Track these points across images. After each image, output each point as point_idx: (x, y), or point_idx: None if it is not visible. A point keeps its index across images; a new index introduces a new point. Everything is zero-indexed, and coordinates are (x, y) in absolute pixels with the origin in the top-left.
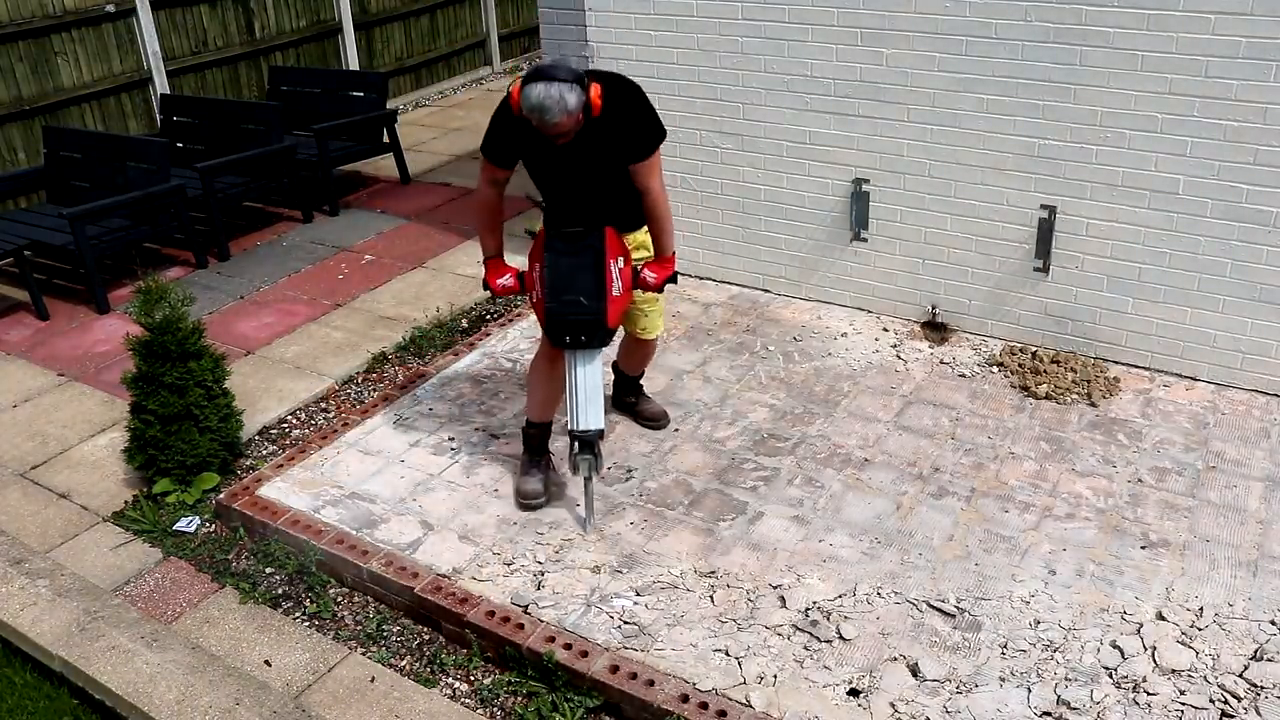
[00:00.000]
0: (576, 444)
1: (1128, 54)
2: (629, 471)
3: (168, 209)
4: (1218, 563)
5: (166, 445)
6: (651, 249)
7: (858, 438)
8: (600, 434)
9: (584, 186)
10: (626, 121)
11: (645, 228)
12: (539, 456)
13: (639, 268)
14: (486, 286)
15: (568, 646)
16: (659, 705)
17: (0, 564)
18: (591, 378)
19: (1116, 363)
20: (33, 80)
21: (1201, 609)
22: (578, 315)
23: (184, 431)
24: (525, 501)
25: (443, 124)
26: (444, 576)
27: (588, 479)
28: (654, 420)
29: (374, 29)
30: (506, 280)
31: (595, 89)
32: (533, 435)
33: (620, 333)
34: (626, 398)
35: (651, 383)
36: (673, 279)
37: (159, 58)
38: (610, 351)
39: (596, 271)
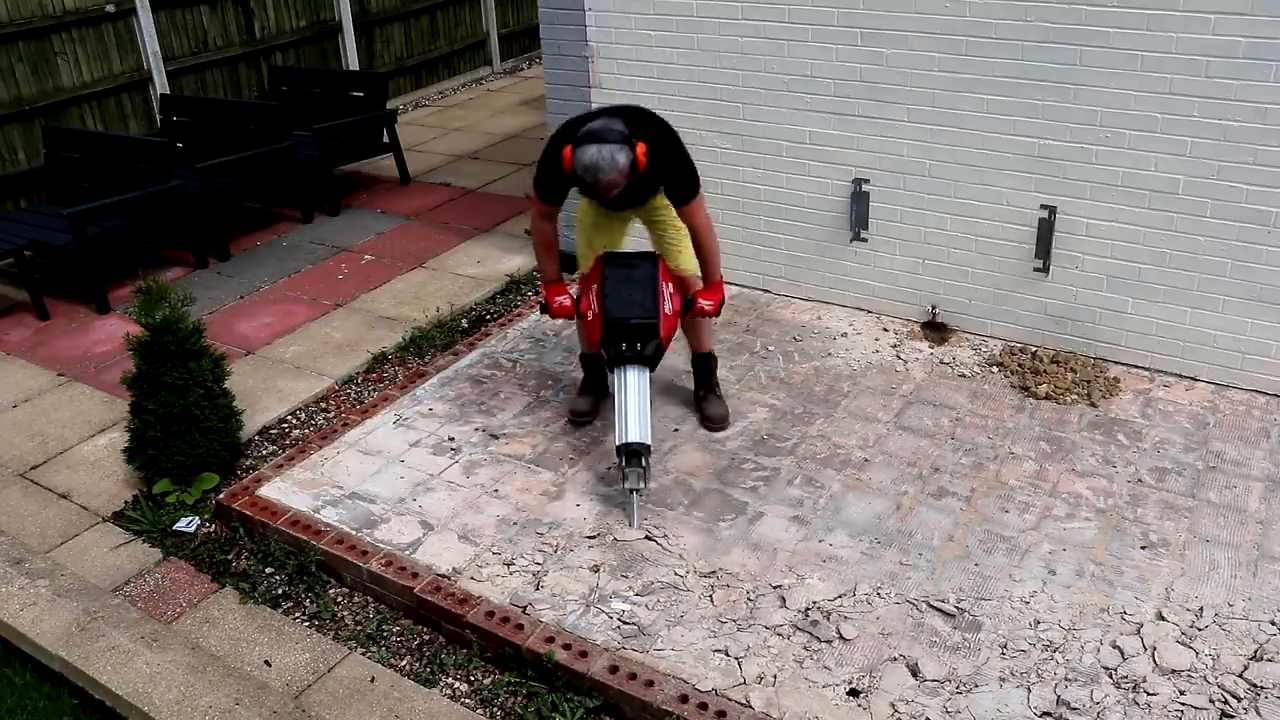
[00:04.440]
0: (624, 457)
1: (1128, 54)
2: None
3: (168, 209)
4: (1218, 563)
5: (166, 445)
6: (693, 272)
7: (858, 438)
8: (648, 448)
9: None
10: (667, 175)
11: (685, 255)
12: (591, 382)
13: (692, 297)
14: (545, 308)
15: (567, 647)
16: (659, 705)
17: (0, 564)
18: (640, 394)
19: (1116, 363)
20: (33, 80)
21: (1201, 609)
22: (636, 320)
23: (184, 431)
24: (572, 417)
25: (443, 124)
26: (444, 577)
27: (635, 490)
28: (715, 422)
29: (374, 29)
30: (564, 300)
31: (641, 148)
32: (583, 365)
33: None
34: (698, 389)
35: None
36: (720, 302)
37: (159, 58)
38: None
39: (653, 285)
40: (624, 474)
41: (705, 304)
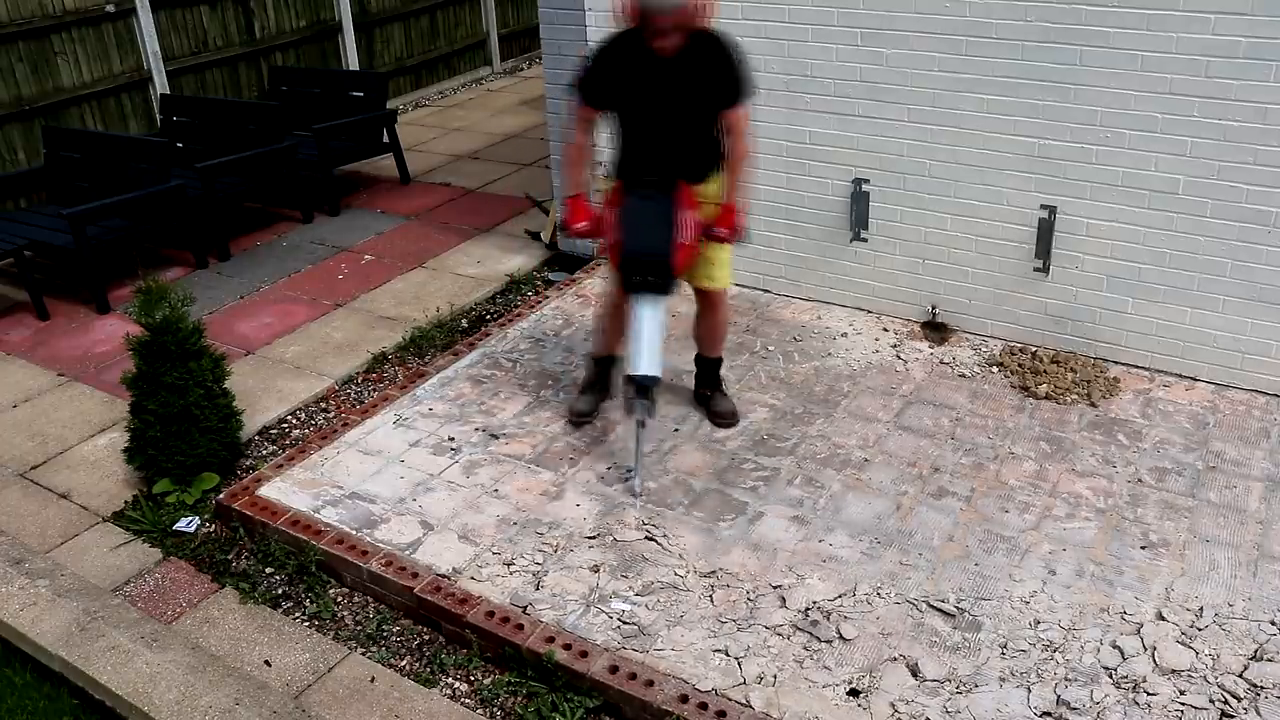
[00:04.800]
0: (633, 388)
1: (1128, 54)
2: (629, 471)
3: (168, 209)
4: (1218, 563)
5: (166, 445)
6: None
7: (858, 438)
8: (656, 381)
9: (669, 125)
10: (724, 65)
11: (712, 180)
12: (595, 383)
13: (710, 225)
14: (563, 227)
15: (567, 647)
16: (659, 705)
17: (0, 564)
18: (653, 325)
19: (1116, 363)
20: (33, 80)
21: (1201, 609)
22: (648, 255)
23: (184, 431)
24: (572, 418)
25: (443, 124)
26: (444, 577)
27: (640, 423)
28: (725, 418)
29: (374, 29)
30: (583, 225)
31: None
32: (592, 365)
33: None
34: (703, 389)
35: None
36: (740, 233)
37: (159, 58)
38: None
39: (669, 216)
40: (629, 405)
41: (721, 231)
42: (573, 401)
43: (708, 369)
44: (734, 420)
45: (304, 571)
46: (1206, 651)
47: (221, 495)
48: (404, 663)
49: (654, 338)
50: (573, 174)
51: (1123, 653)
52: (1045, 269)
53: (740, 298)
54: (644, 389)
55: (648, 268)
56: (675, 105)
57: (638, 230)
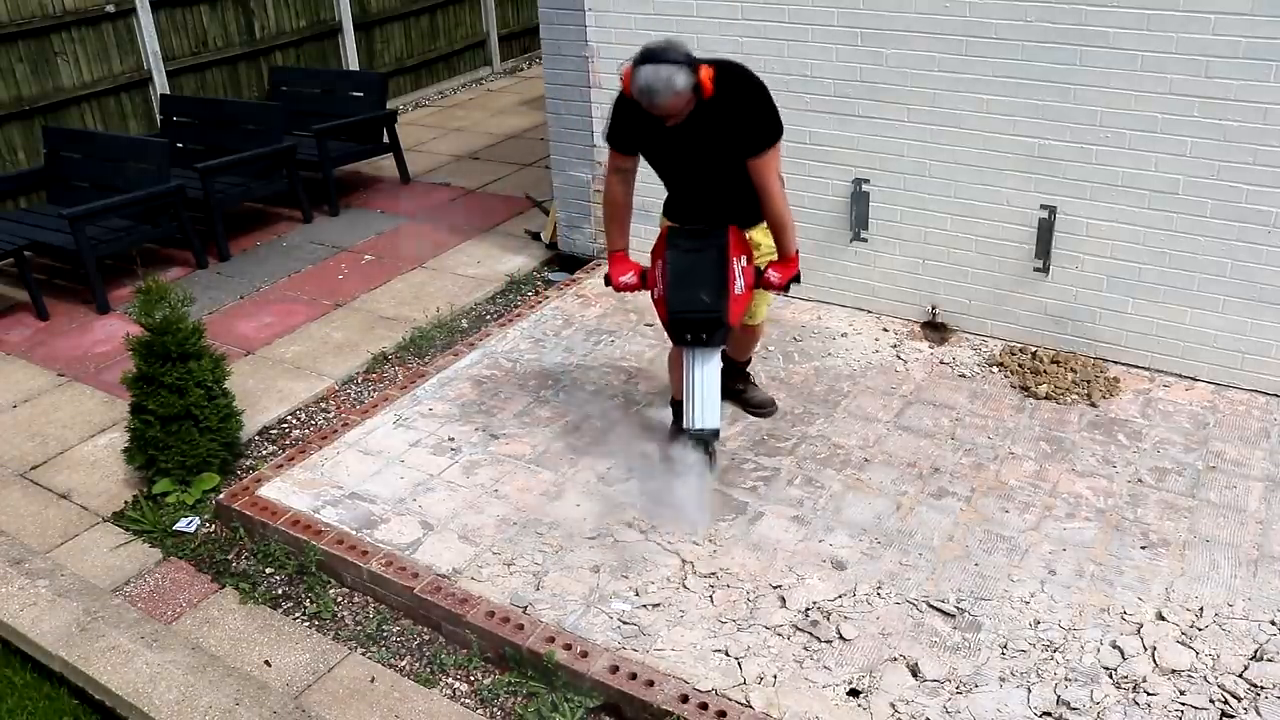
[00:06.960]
0: (691, 441)
1: (1128, 54)
2: (629, 471)
3: (168, 209)
4: (1218, 563)
5: (166, 445)
6: (771, 246)
7: (858, 438)
8: (715, 433)
9: (700, 177)
10: (741, 112)
11: (763, 224)
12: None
13: (763, 268)
14: (608, 281)
15: (568, 647)
16: (659, 705)
17: (0, 564)
18: (709, 376)
19: (1116, 363)
20: (33, 80)
21: (1201, 609)
22: (698, 314)
23: (184, 432)
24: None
25: (443, 124)
26: (444, 577)
27: (702, 473)
28: (761, 407)
29: (374, 29)
30: (629, 278)
31: (706, 71)
32: (678, 409)
33: None
34: (735, 384)
35: (652, 381)
36: (796, 279)
37: (159, 58)
38: None
39: (719, 270)
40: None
41: (773, 276)
42: (669, 449)
43: (735, 367)
44: (771, 409)
45: (304, 571)
46: (1206, 651)
47: (221, 495)
48: (404, 663)
49: (710, 389)
50: (612, 230)
51: (1123, 653)
52: (1045, 269)
53: None
54: (702, 442)
55: (698, 325)
56: (700, 159)
57: (685, 285)
